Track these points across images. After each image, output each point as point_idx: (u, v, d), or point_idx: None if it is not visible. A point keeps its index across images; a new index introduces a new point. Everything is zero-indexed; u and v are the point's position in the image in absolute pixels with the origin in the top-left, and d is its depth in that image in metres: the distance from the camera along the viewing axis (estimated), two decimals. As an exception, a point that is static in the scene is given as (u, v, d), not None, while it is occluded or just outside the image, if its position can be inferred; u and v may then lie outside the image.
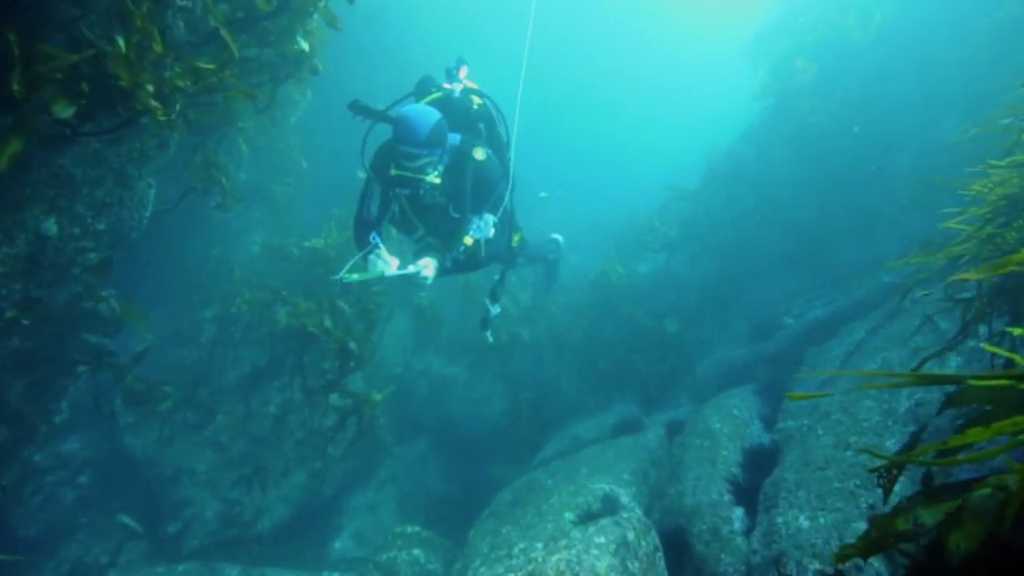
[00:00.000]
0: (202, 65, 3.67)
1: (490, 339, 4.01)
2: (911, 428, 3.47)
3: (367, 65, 12.00)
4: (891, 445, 3.43)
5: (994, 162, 3.88)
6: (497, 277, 3.92)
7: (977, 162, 3.90)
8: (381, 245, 3.17)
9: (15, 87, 2.86)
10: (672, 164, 16.03)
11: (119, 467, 8.40)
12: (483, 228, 3.42)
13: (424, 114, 3.21)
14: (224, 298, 7.89)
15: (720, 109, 16.92)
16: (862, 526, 3.00)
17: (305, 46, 5.55)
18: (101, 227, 4.71)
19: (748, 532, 4.01)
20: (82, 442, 8.35)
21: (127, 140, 4.45)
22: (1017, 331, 2.14)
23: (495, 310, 3.88)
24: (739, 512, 4.20)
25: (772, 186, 9.94)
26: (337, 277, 2.83)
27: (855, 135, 8.75)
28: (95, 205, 4.56)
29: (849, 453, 3.59)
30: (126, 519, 7.97)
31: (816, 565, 2.90)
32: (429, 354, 11.14)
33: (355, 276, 2.87)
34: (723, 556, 3.74)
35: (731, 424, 5.36)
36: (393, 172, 3.25)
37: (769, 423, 5.60)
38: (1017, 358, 1.83)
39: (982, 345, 2.66)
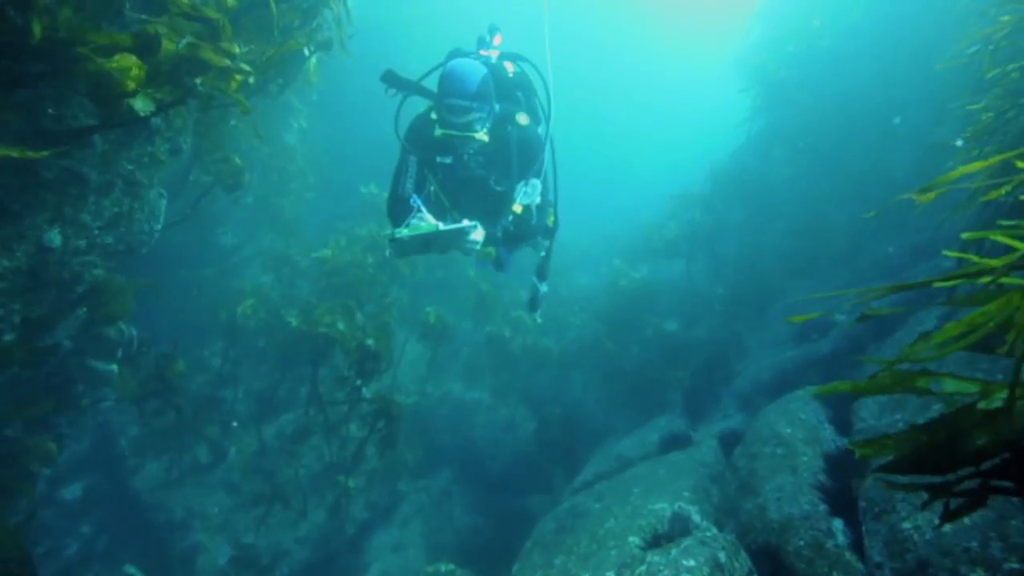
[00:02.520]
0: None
1: (539, 320, 3.69)
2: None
3: (365, 81, 11.91)
4: None
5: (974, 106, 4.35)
6: (543, 253, 3.61)
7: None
8: (423, 208, 2.86)
9: (132, 75, 2.52)
10: (672, 175, 15.89)
11: (125, 513, 7.81)
12: (531, 193, 3.17)
13: (472, 66, 2.98)
14: (230, 305, 7.50)
15: (715, 120, 16.96)
16: (1022, 524, 2.52)
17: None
18: (109, 240, 4.34)
19: (854, 546, 3.49)
20: (86, 487, 7.79)
21: (137, 143, 4.11)
22: (965, 235, 2.42)
23: (543, 288, 3.57)
24: (839, 524, 3.68)
25: (783, 186, 9.75)
26: (389, 233, 2.55)
27: (851, 127, 8.71)
28: (103, 215, 4.19)
29: (974, 444, 3.12)
30: (133, 571, 7.35)
31: (980, 572, 2.41)
32: (448, 379, 10.64)
33: (406, 232, 2.58)
34: (835, 574, 3.21)
35: (802, 428, 4.87)
36: (438, 132, 2.97)
37: (840, 427, 5.10)
38: (973, 256, 2.03)
39: (944, 252, 2.90)
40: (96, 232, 4.22)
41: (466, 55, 3.30)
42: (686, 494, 5.13)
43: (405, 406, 7.71)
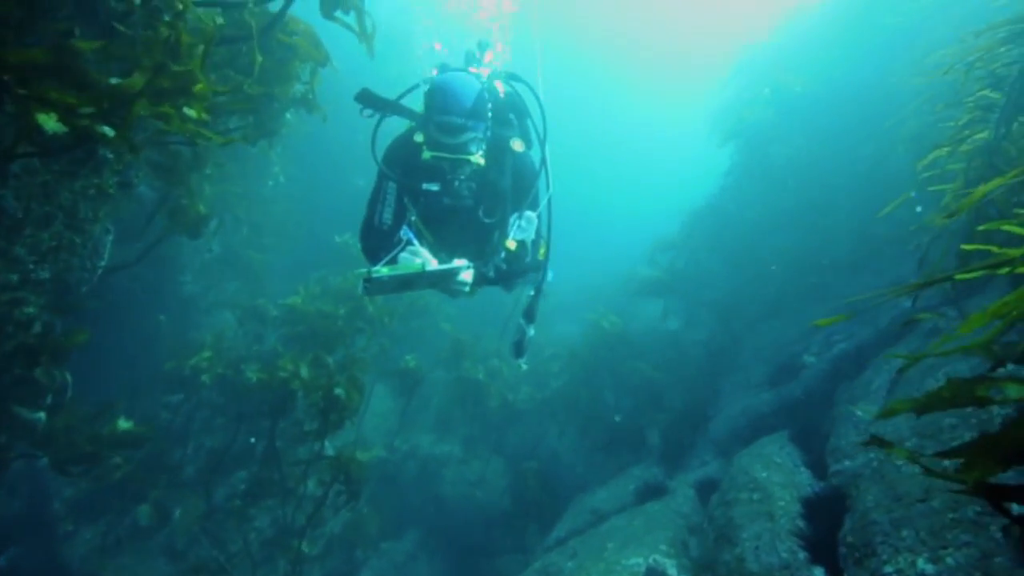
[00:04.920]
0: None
1: (523, 367, 3.31)
2: (1021, 440, 2.91)
3: (346, 132, 12.05)
4: (1004, 462, 2.85)
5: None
6: (532, 292, 3.23)
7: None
8: (415, 240, 2.50)
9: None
10: (654, 222, 16.20)
11: (49, 589, 7.01)
12: (526, 228, 2.85)
13: (466, 80, 2.68)
14: (183, 356, 7.07)
15: (695, 168, 17.51)
16: (1007, 560, 2.35)
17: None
18: (45, 275, 4.09)
19: (837, 596, 3.25)
20: (11, 557, 7.00)
21: (83, 174, 3.96)
22: (981, 227, 2.59)
23: (531, 332, 3.17)
24: (819, 572, 3.45)
25: (755, 236, 9.97)
26: (362, 271, 2.17)
27: (830, 171, 8.99)
28: (40, 249, 3.97)
29: (951, 479, 2.99)
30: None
31: (969, 618, 2.22)
32: (417, 431, 10.18)
33: (384, 271, 2.19)
34: (818, 628, 2.96)
35: (779, 472, 4.68)
36: (427, 155, 2.65)
37: (817, 471, 4.93)
38: (993, 248, 2.12)
39: (962, 247, 3.07)
40: (31, 267, 3.98)
41: (455, 71, 2.98)
42: (663, 547, 4.83)
43: (369, 463, 7.25)
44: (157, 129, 4.06)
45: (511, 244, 2.86)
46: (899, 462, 3.46)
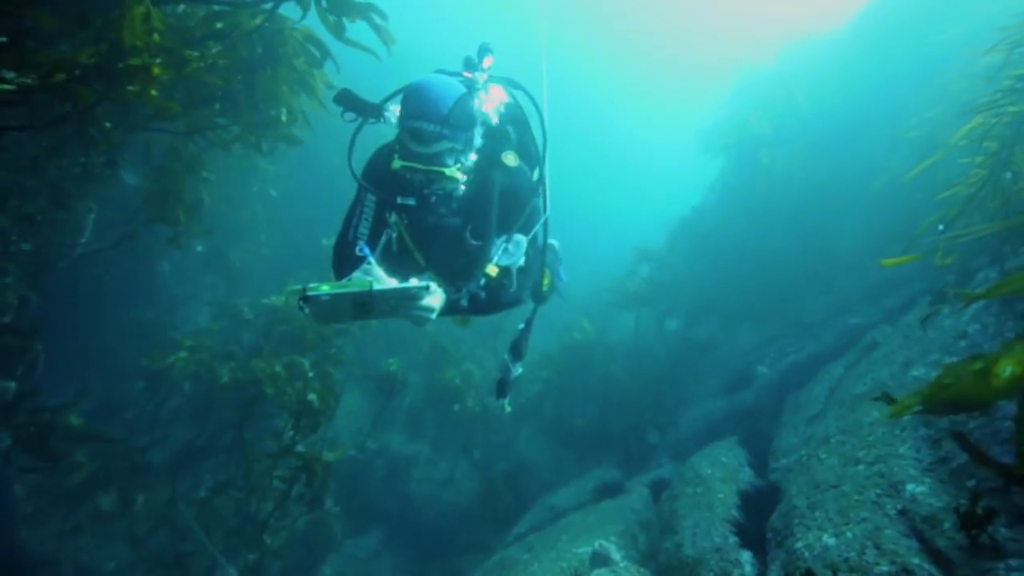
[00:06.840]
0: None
1: (507, 408, 3.12)
2: (923, 432, 3.22)
3: (337, 135, 12.27)
4: (905, 451, 3.15)
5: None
6: (521, 326, 2.90)
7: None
8: (373, 260, 2.18)
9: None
10: (642, 231, 16.47)
11: (5, 569, 6.93)
12: (513, 252, 2.51)
13: (446, 83, 2.35)
14: (157, 355, 7.11)
15: (683, 182, 17.83)
16: (895, 532, 2.63)
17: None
18: (27, 247, 4.24)
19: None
20: (-38, 539, 6.92)
21: (70, 152, 4.13)
22: None
23: (517, 371, 2.84)
24: (747, 555, 3.71)
25: (730, 248, 10.33)
26: (300, 287, 1.87)
27: (805, 193, 9.27)
28: (23, 221, 4.12)
29: (862, 467, 3.27)
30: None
31: (855, 580, 2.48)
32: (388, 431, 10.27)
33: (325, 288, 1.85)
34: (738, 602, 3.20)
35: (722, 470, 4.96)
36: (397, 164, 2.34)
37: (760, 470, 5.22)
38: None
39: None
40: (14, 238, 4.13)
41: (442, 74, 2.68)
42: (613, 538, 5.04)
43: (336, 462, 7.29)
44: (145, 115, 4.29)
45: (492, 270, 2.50)
46: (822, 456, 3.75)
